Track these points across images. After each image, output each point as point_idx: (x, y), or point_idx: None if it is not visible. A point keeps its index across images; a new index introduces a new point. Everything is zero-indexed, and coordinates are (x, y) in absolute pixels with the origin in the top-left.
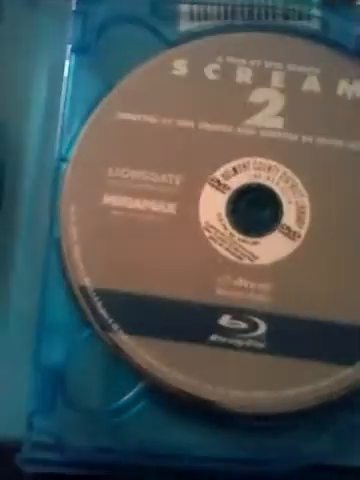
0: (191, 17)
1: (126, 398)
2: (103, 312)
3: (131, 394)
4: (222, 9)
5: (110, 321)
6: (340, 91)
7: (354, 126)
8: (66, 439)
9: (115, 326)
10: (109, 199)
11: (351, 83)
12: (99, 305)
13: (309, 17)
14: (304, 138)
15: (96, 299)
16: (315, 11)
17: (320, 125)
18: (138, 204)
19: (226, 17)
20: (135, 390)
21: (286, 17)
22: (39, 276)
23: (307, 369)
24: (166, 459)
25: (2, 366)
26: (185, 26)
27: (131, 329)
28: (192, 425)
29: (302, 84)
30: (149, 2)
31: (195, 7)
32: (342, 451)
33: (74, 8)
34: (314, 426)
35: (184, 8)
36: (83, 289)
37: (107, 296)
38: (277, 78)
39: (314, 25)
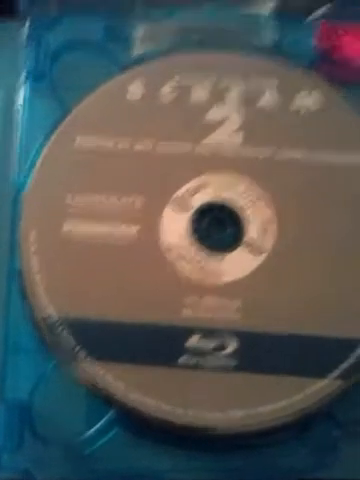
0: (144, 40)
1: (97, 427)
2: (69, 341)
3: (102, 423)
4: (174, 30)
5: (76, 349)
6: (297, 103)
7: (313, 137)
8: (36, 475)
9: (82, 354)
10: (70, 225)
11: (309, 94)
12: (64, 334)
13: (262, 33)
14: (264, 152)
15: (61, 328)
16: (268, 26)
17: (279, 138)
18: (99, 229)
19: (179, 38)
20: (106, 418)
21: (239, 33)
22: (1, 308)
23: (281, 384)
24: None
25: None
26: (139, 49)
27: (98, 356)
28: (166, 451)
29: (259, 99)
30: (103, 26)
31: (148, 30)
32: (322, 465)
33: (27, 34)
34: (293, 441)
35: (137, 31)
36: (47, 319)
37: (72, 324)
38: (233, 94)
39: (267, 40)
